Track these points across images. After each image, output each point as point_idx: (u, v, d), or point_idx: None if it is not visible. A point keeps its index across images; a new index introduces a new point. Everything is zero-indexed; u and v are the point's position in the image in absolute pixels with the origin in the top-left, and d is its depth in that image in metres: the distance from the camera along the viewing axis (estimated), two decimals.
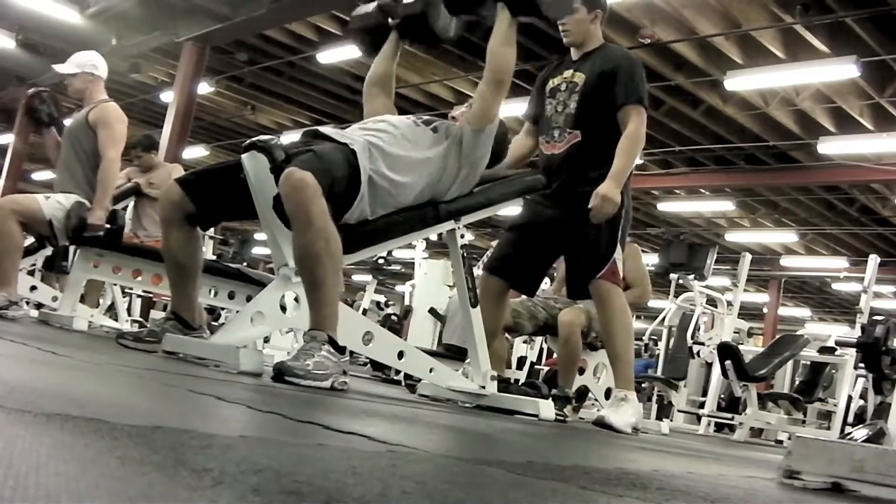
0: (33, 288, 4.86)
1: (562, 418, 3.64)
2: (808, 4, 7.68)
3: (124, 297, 6.30)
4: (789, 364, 8.36)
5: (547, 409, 3.10)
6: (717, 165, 12.90)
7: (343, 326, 2.43)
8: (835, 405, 7.27)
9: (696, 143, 11.80)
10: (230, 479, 0.68)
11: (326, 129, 2.72)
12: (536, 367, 6.82)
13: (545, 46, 8.94)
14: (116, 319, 5.72)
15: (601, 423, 3.15)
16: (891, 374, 4.86)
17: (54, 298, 4.67)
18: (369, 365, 6.88)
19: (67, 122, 4.35)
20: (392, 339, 2.99)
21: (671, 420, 7.29)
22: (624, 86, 3.24)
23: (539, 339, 6.80)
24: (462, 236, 2.92)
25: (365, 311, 9.17)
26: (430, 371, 3.00)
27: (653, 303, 22.51)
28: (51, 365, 1.75)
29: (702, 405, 7.69)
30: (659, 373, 7.40)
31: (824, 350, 7.69)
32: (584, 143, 3.28)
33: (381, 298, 10.73)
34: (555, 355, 6.08)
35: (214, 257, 7.79)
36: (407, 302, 9.41)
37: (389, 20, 3.15)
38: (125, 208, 5.77)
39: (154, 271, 4.15)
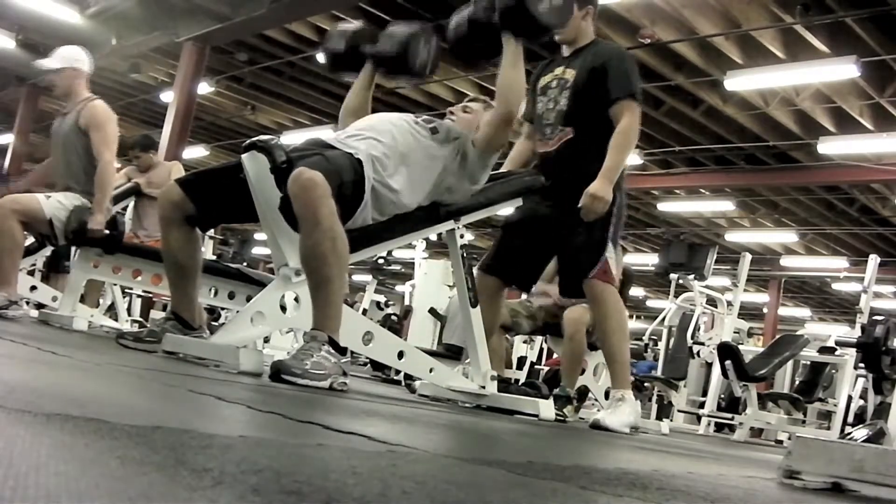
0: (33, 288, 4.86)
1: (562, 418, 3.64)
2: (808, 4, 7.68)
3: (124, 297, 6.31)
4: (789, 364, 8.36)
5: (547, 409, 3.10)
6: (717, 165, 12.90)
7: (343, 326, 2.43)
8: (835, 405, 7.27)
9: (696, 143, 11.80)
10: (230, 479, 0.68)
11: (329, 139, 2.72)
12: (536, 367, 6.83)
13: (545, 46, 8.92)
14: (116, 319, 5.72)
15: (598, 426, 3.14)
16: (891, 374, 4.86)
17: (54, 298, 4.67)
18: (369, 365, 6.88)
19: (55, 122, 4.31)
20: (392, 339, 3.00)
21: (671, 420, 7.29)
22: (615, 81, 3.20)
23: (539, 339, 6.80)
24: (462, 236, 2.93)
25: (365, 311, 9.17)
26: (430, 371, 3.00)
27: (653, 303, 22.61)
28: (51, 365, 1.75)
29: (702, 405, 7.68)
30: (659, 373, 7.40)
31: (824, 350, 7.69)
32: (576, 139, 3.27)
33: (381, 298, 10.73)
34: (555, 355, 6.09)
35: (214, 257, 7.79)
36: (407, 302, 9.42)
37: (364, 49, 3.17)
38: (125, 208, 5.79)
39: (154, 271, 4.15)
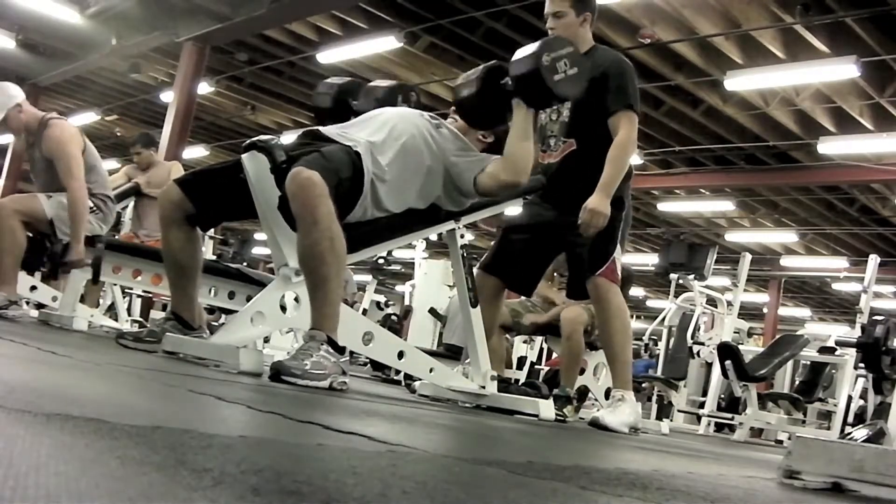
0: (33, 288, 4.86)
1: (562, 418, 3.64)
2: (808, 4, 7.68)
3: (124, 297, 6.31)
4: (789, 364, 8.36)
5: (547, 409, 3.10)
6: (717, 165, 12.90)
7: (343, 326, 2.43)
8: (835, 405, 7.27)
9: (696, 143, 11.79)
10: (230, 479, 0.68)
11: (327, 130, 2.71)
12: (536, 367, 6.83)
13: None
14: (116, 319, 5.72)
15: (596, 424, 3.15)
16: (891, 374, 4.86)
17: (54, 298, 4.67)
18: (369, 365, 6.88)
19: (27, 152, 4.18)
20: (392, 339, 3.00)
21: (671, 420, 7.29)
22: (614, 92, 3.20)
23: (539, 340, 6.80)
24: (462, 236, 2.93)
25: (365, 311, 9.17)
26: (430, 371, 3.00)
27: (653, 303, 22.58)
28: (51, 365, 1.75)
29: (702, 405, 7.69)
30: (659, 373, 7.40)
31: (824, 350, 7.70)
32: (579, 151, 3.27)
33: (381, 298, 10.73)
34: (555, 355, 6.09)
35: (214, 257, 7.79)
36: (407, 302, 9.42)
37: (350, 102, 3.16)
38: (125, 208, 5.79)
39: (154, 271, 4.15)
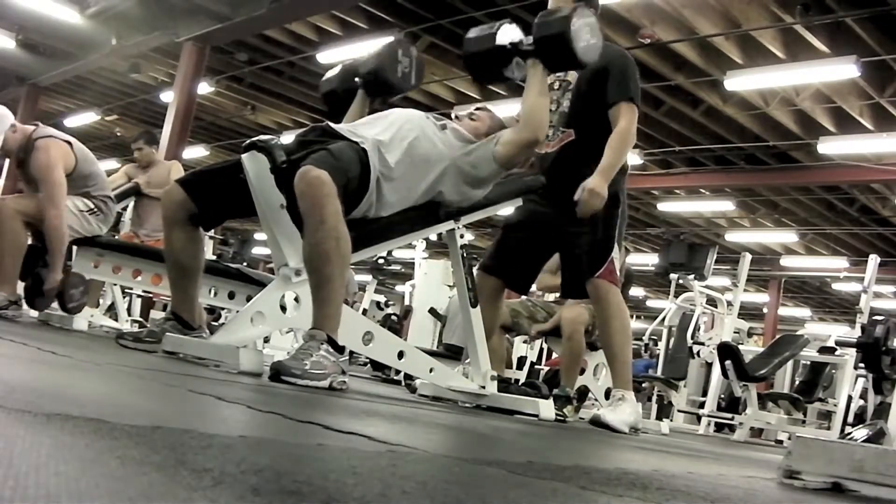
0: None
1: (562, 418, 3.64)
2: (808, 4, 7.68)
3: (124, 297, 6.30)
4: (789, 364, 8.36)
5: (547, 409, 3.10)
6: (717, 165, 12.90)
7: (343, 326, 2.43)
8: (835, 405, 7.27)
9: (696, 143, 11.80)
10: (230, 479, 0.68)
11: (337, 126, 2.72)
12: (536, 367, 6.82)
13: None
14: (116, 319, 5.72)
15: (597, 422, 3.15)
16: (891, 374, 4.87)
17: None
18: (369, 365, 6.88)
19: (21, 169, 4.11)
20: (392, 339, 2.99)
21: (671, 420, 7.29)
22: (615, 83, 3.22)
23: (539, 340, 6.79)
24: (462, 236, 2.92)
25: (365, 311, 9.17)
26: (430, 371, 3.00)
27: (653, 303, 22.57)
28: (51, 365, 1.75)
29: (702, 405, 7.69)
30: (659, 373, 7.40)
31: (824, 350, 7.69)
32: (577, 141, 3.28)
33: (381, 298, 10.73)
34: (555, 355, 6.09)
35: (214, 257, 7.79)
36: (407, 302, 9.42)
37: (356, 80, 3.21)
38: (125, 208, 5.79)
39: (154, 271, 4.14)
